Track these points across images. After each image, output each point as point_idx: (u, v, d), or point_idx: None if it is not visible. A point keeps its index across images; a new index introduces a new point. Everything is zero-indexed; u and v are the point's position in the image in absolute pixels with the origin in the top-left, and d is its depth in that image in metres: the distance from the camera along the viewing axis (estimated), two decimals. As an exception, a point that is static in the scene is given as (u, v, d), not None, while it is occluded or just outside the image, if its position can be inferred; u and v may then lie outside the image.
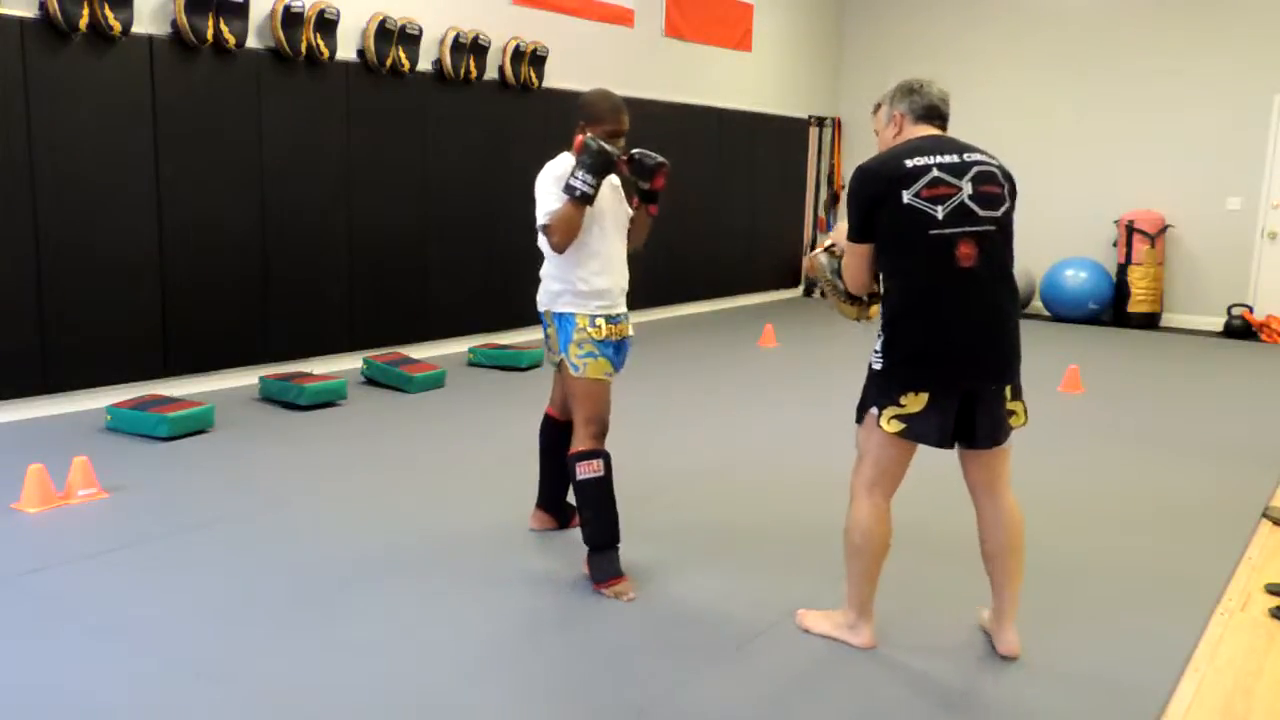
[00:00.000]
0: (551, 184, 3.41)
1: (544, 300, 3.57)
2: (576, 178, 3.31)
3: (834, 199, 11.82)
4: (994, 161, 2.93)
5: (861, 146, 11.66)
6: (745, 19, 10.33)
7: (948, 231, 2.78)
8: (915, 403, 2.82)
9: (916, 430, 2.85)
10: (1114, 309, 10.03)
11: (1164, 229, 9.89)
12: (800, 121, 11.34)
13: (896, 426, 2.85)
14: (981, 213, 2.82)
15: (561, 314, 3.50)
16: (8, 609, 3.23)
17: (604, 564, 3.44)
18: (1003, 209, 2.87)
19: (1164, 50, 9.94)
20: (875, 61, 11.54)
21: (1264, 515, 4.41)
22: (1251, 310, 9.64)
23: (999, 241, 2.85)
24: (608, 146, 3.34)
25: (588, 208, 3.37)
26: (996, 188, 2.87)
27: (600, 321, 3.48)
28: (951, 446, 2.91)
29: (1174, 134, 9.96)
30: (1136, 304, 9.89)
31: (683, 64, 9.60)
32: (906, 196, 2.79)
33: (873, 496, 2.97)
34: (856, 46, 11.74)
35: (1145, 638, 3.23)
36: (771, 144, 10.93)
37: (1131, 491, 4.74)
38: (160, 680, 2.82)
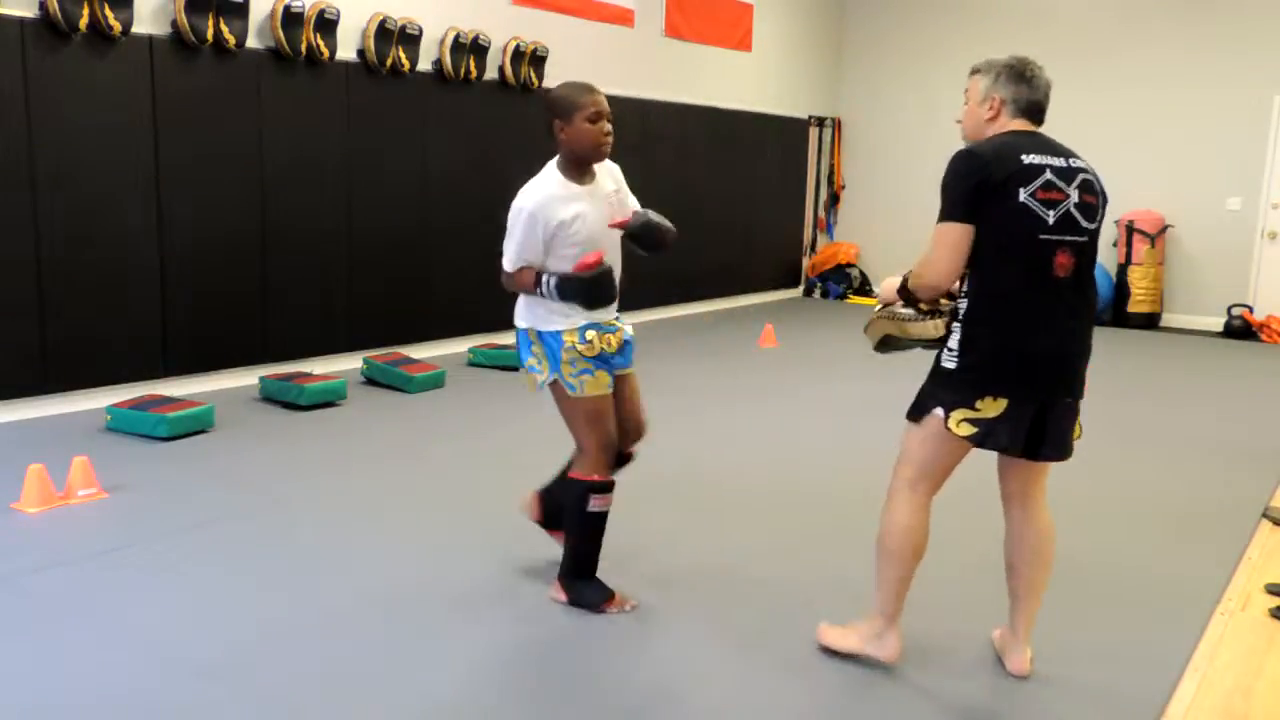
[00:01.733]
0: (523, 221, 3.09)
1: (525, 317, 3.26)
2: (549, 288, 3.04)
3: (834, 199, 11.83)
4: (1092, 170, 2.80)
5: (862, 147, 11.67)
6: (745, 19, 10.33)
7: (1054, 238, 2.67)
8: (993, 408, 2.69)
9: (988, 435, 2.72)
10: (1114, 309, 10.03)
11: (1164, 229, 9.89)
12: (800, 121, 11.34)
13: (967, 430, 2.71)
14: (1083, 223, 2.72)
15: (545, 332, 3.20)
16: (8, 609, 3.22)
17: (597, 588, 3.32)
18: (1097, 221, 2.78)
19: (1164, 50, 9.94)
20: (875, 61, 11.54)
21: (1264, 515, 4.41)
22: (1251, 310, 9.64)
23: (1089, 254, 2.76)
24: (599, 289, 3.02)
25: (577, 229, 3.11)
26: (1094, 198, 2.77)
27: (591, 335, 3.20)
28: (1021, 454, 2.80)
29: (1174, 134, 9.96)
30: (1136, 304, 9.89)
31: (683, 64, 9.60)
32: (1023, 194, 2.63)
33: (915, 493, 2.82)
34: (856, 46, 11.73)
35: (1146, 638, 3.23)
36: (771, 144, 10.92)
37: (1131, 491, 4.74)
38: (160, 680, 2.82)
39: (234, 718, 2.65)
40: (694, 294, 10.09)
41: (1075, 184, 2.71)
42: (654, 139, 9.09)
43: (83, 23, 5.35)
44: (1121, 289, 9.95)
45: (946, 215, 2.69)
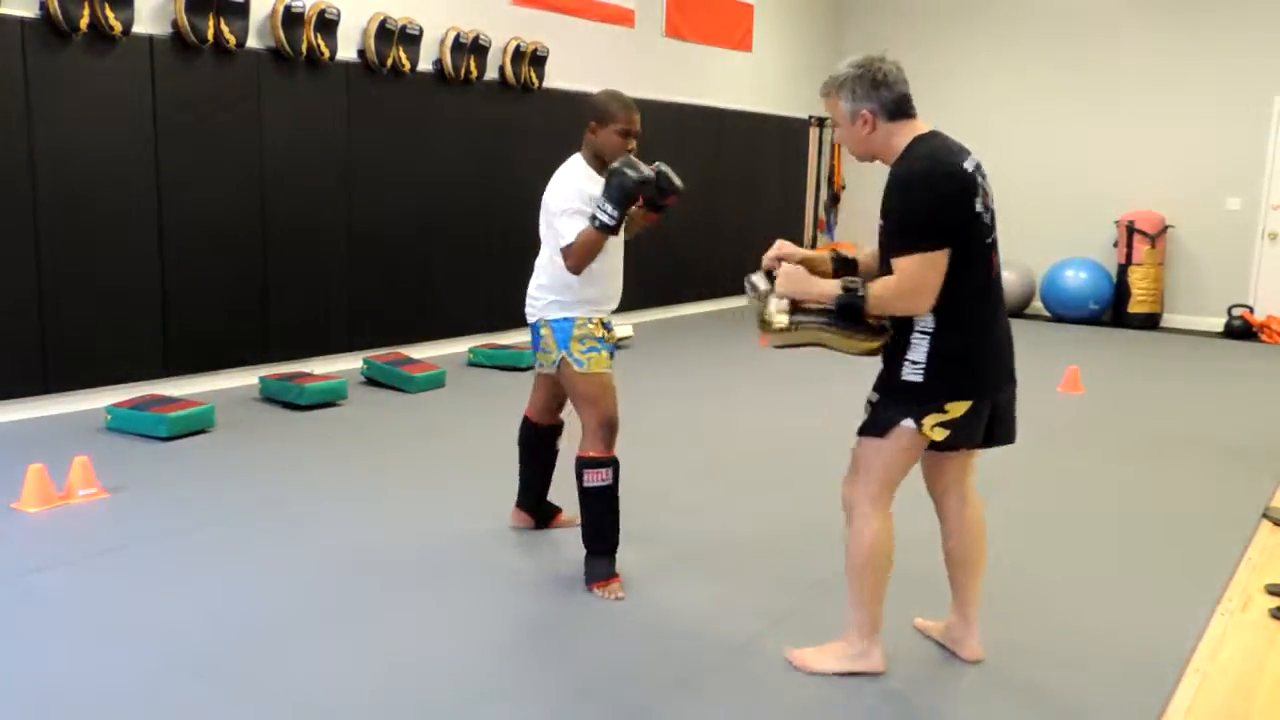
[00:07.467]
0: (573, 198, 3.35)
1: (535, 311, 3.55)
2: (601, 208, 3.25)
3: (834, 199, 11.82)
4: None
5: (861, 146, 11.66)
6: (745, 19, 10.33)
7: (989, 241, 2.72)
8: (960, 408, 2.71)
9: (961, 435, 2.75)
10: (1114, 309, 10.03)
11: (1164, 229, 9.89)
12: (800, 121, 11.34)
13: (941, 434, 2.72)
14: (993, 218, 2.77)
15: (556, 319, 3.47)
16: (8, 609, 3.22)
17: (601, 565, 3.46)
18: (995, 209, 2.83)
19: (1164, 50, 9.94)
20: (875, 61, 11.53)
21: (1264, 515, 4.40)
22: (1252, 311, 9.64)
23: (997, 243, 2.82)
24: (634, 173, 3.24)
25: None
26: (990, 188, 2.80)
27: (598, 319, 3.51)
28: (978, 445, 2.87)
29: (1174, 134, 9.96)
30: (1137, 304, 9.89)
31: (683, 64, 9.60)
32: (978, 206, 2.65)
33: (881, 509, 2.82)
34: (856, 47, 11.68)
35: (1145, 638, 3.23)
36: (771, 144, 10.92)
37: (1132, 492, 4.74)
38: (160, 680, 2.82)
39: (234, 717, 2.65)
40: (694, 294, 10.09)
41: (986, 183, 2.74)
42: (654, 139, 9.07)
43: (83, 23, 5.35)
44: (1122, 289, 9.95)
45: (930, 243, 2.58)
